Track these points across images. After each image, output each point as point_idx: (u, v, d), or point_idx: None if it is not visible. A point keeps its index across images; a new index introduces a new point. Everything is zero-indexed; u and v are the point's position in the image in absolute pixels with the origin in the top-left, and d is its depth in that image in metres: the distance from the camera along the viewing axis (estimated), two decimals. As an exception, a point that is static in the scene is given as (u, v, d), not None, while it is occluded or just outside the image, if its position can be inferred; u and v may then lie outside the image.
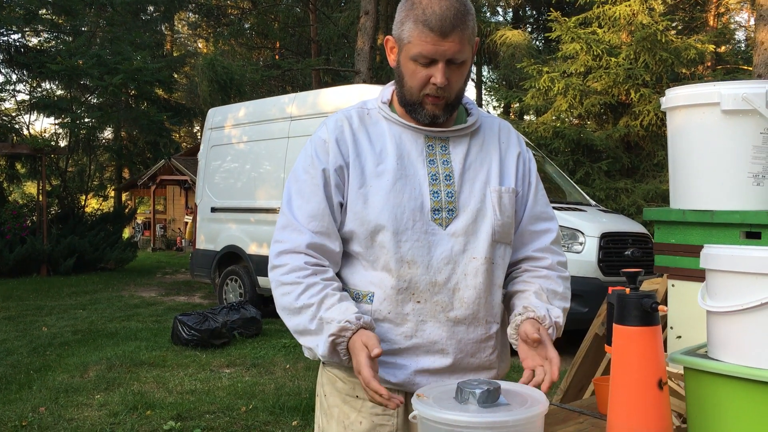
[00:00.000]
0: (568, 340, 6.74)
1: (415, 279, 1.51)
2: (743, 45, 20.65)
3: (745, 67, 13.62)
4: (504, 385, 1.30)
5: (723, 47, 16.33)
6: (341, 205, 1.55)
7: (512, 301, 1.62)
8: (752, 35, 12.93)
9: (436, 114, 1.53)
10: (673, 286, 1.93)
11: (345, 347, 1.43)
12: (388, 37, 1.56)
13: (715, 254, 1.30)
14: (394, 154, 1.54)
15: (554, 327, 1.51)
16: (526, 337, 1.46)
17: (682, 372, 1.48)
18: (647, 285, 2.56)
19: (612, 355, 1.31)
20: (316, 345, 1.47)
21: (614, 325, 1.30)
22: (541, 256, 1.64)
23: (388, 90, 1.65)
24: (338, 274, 1.57)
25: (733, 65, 14.61)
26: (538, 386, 1.39)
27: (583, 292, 5.93)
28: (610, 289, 1.44)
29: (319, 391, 1.67)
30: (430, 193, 1.53)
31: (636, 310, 1.26)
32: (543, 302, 1.55)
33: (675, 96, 1.94)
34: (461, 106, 1.66)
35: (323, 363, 1.63)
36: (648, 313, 1.26)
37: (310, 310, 1.46)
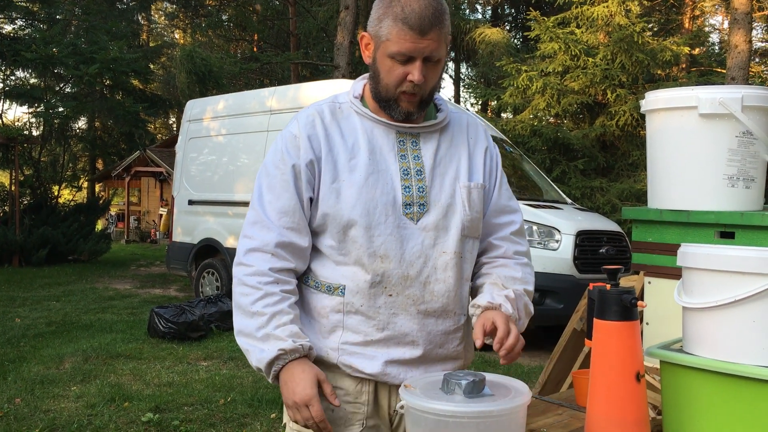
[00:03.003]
0: (545, 336, 6.85)
1: (388, 273, 1.53)
2: (717, 47, 20.99)
3: (719, 70, 13.84)
4: (489, 376, 1.35)
5: (697, 49, 16.58)
6: (311, 200, 1.56)
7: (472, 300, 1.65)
8: (726, 38, 13.15)
9: (410, 111, 1.54)
10: (649, 283, 1.99)
11: (284, 364, 1.46)
12: (363, 33, 1.57)
13: (691, 253, 1.36)
14: (366, 148, 1.56)
15: (507, 301, 1.53)
16: (484, 328, 1.47)
17: (658, 366, 1.53)
18: (623, 282, 2.63)
19: (592, 348, 1.36)
20: (254, 349, 1.49)
21: (595, 319, 1.35)
22: (497, 244, 1.67)
23: (359, 84, 1.65)
24: (308, 268, 1.59)
25: (707, 67, 14.83)
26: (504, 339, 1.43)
27: (559, 289, 6.02)
28: (591, 285, 1.49)
29: None
30: (402, 187, 1.54)
31: (616, 306, 1.31)
32: (495, 290, 1.56)
33: (654, 99, 2.00)
34: None
35: None
36: (627, 308, 1.31)
37: (261, 319, 1.49)
